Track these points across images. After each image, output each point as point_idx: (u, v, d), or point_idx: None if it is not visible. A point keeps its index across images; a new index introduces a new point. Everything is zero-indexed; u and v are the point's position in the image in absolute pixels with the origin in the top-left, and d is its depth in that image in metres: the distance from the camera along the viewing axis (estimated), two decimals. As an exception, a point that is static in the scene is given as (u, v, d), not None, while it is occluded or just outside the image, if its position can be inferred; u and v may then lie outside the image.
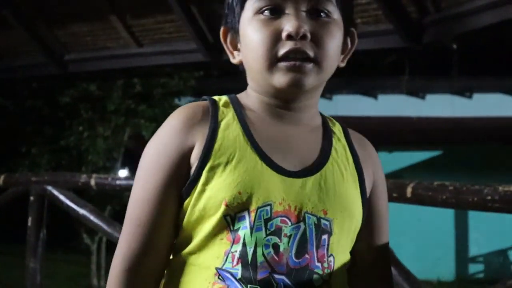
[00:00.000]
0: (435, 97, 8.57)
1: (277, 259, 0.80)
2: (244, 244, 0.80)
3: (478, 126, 8.30)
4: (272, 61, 0.83)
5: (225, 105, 0.88)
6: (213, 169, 0.82)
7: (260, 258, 0.79)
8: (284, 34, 0.83)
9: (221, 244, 0.81)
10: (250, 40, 0.86)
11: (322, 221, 0.83)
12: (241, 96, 0.91)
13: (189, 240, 0.84)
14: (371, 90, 8.52)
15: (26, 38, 4.84)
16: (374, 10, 3.46)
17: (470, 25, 3.12)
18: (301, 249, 0.81)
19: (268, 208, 0.81)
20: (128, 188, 2.67)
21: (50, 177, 3.29)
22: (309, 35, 0.82)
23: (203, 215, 0.82)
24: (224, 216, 0.81)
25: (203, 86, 7.96)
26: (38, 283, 3.26)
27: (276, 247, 0.80)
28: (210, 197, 0.81)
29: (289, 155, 0.85)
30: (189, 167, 0.84)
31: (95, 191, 5.30)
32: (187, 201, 0.83)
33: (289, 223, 0.81)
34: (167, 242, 0.86)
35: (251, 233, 0.80)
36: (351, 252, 0.91)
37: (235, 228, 0.80)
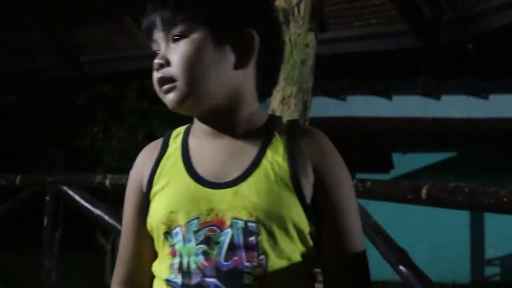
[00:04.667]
0: (450, 98, 8.48)
1: (207, 264, 0.92)
2: (180, 256, 0.94)
3: (494, 127, 8.22)
4: (158, 90, 0.99)
5: (176, 135, 1.03)
6: (155, 194, 0.98)
7: (192, 266, 0.92)
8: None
9: (167, 259, 0.96)
10: None
11: (249, 223, 0.92)
12: (193, 124, 1.03)
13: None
14: (386, 91, 8.46)
15: (42, 40, 4.89)
16: (388, 11, 3.44)
17: (486, 26, 3.09)
18: (230, 253, 0.92)
19: (196, 221, 0.93)
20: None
21: (65, 178, 3.32)
22: (164, 63, 0.95)
23: (155, 236, 0.98)
24: (164, 234, 0.95)
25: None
26: (53, 282, 3.29)
27: (206, 254, 0.92)
28: (153, 220, 0.96)
29: (220, 169, 0.96)
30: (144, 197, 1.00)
31: (110, 192, 5.33)
32: (147, 225, 0.98)
33: (218, 231, 0.92)
34: (152, 260, 1.00)
35: (184, 245, 0.93)
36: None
37: (173, 243, 0.95)
